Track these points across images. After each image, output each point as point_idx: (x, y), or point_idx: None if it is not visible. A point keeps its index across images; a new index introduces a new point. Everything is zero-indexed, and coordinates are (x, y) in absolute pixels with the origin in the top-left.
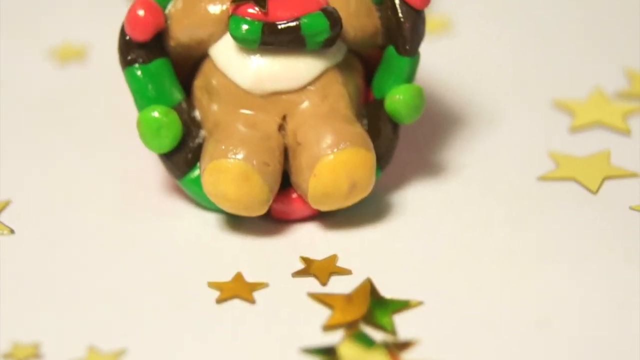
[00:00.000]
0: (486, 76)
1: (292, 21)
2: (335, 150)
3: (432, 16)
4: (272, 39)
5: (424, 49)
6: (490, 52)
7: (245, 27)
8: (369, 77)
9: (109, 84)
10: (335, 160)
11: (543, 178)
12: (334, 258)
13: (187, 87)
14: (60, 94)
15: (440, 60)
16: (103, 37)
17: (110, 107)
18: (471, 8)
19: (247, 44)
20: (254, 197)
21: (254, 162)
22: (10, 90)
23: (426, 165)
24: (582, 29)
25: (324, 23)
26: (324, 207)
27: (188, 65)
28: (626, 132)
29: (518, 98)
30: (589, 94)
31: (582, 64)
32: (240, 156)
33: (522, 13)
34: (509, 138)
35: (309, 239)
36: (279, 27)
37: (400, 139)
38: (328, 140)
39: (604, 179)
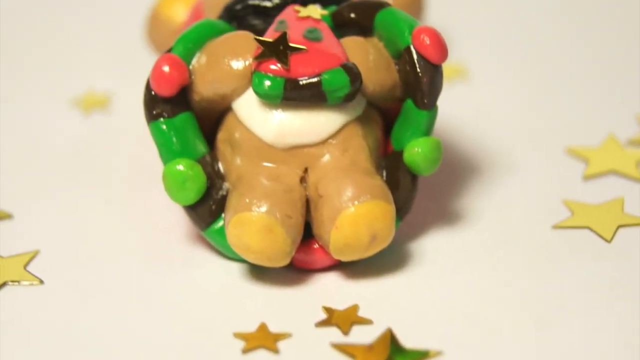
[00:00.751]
0: (500, 123)
1: (314, 77)
2: (356, 203)
3: (447, 63)
4: (294, 95)
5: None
6: (504, 100)
7: (268, 83)
8: (388, 128)
9: (133, 132)
10: (356, 213)
11: (558, 226)
12: (355, 308)
13: (210, 139)
14: (84, 143)
15: (456, 107)
16: (125, 85)
17: (135, 156)
18: (486, 55)
19: (270, 99)
20: (277, 249)
21: (277, 215)
22: (35, 140)
23: (443, 213)
24: (595, 76)
25: (344, 79)
26: (345, 258)
27: (212, 119)
28: (639, 180)
29: (532, 145)
30: (603, 141)
31: (595, 112)
32: (263, 209)
33: (536, 61)
34: (524, 186)
35: (330, 289)
36: (301, 83)
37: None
38: (349, 193)
39: (618, 227)
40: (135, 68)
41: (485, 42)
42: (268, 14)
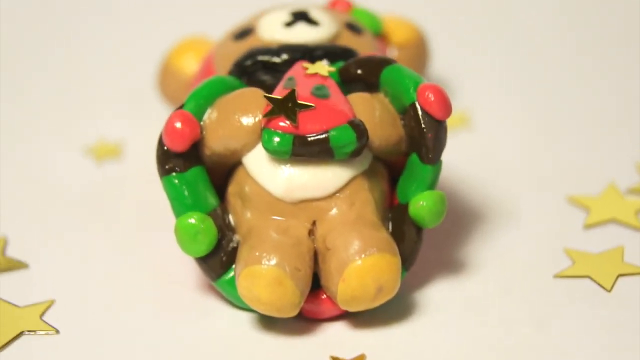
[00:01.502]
0: (502, 173)
1: (321, 134)
2: (363, 256)
3: None
4: (303, 151)
5: None
6: (506, 149)
7: (277, 139)
8: (393, 180)
9: (145, 181)
10: (362, 266)
11: (559, 276)
12: (362, 358)
13: (220, 190)
14: (97, 191)
15: (458, 156)
16: (137, 134)
17: (146, 204)
18: (488, 104)
19: (279, 155)
20: (286, 301)
21: (287, 268)
22: (49, 188)
23: (447, 263)
24: (595, 125)
25: (351, 135)
26: (352, 309)
27: (222, 172)
28: (639, 229)
29: (534, 194)
30: (603, 190)
31: (595, 161)
32: (273, 262)
33: (538, 110)
34: (526, 235)
35: (338, 338)
36: (309, 139)
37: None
38: (356, 246)
39: (617, 277)
40: (147, 117)
41: (488, 92)
42: (277, 70)
